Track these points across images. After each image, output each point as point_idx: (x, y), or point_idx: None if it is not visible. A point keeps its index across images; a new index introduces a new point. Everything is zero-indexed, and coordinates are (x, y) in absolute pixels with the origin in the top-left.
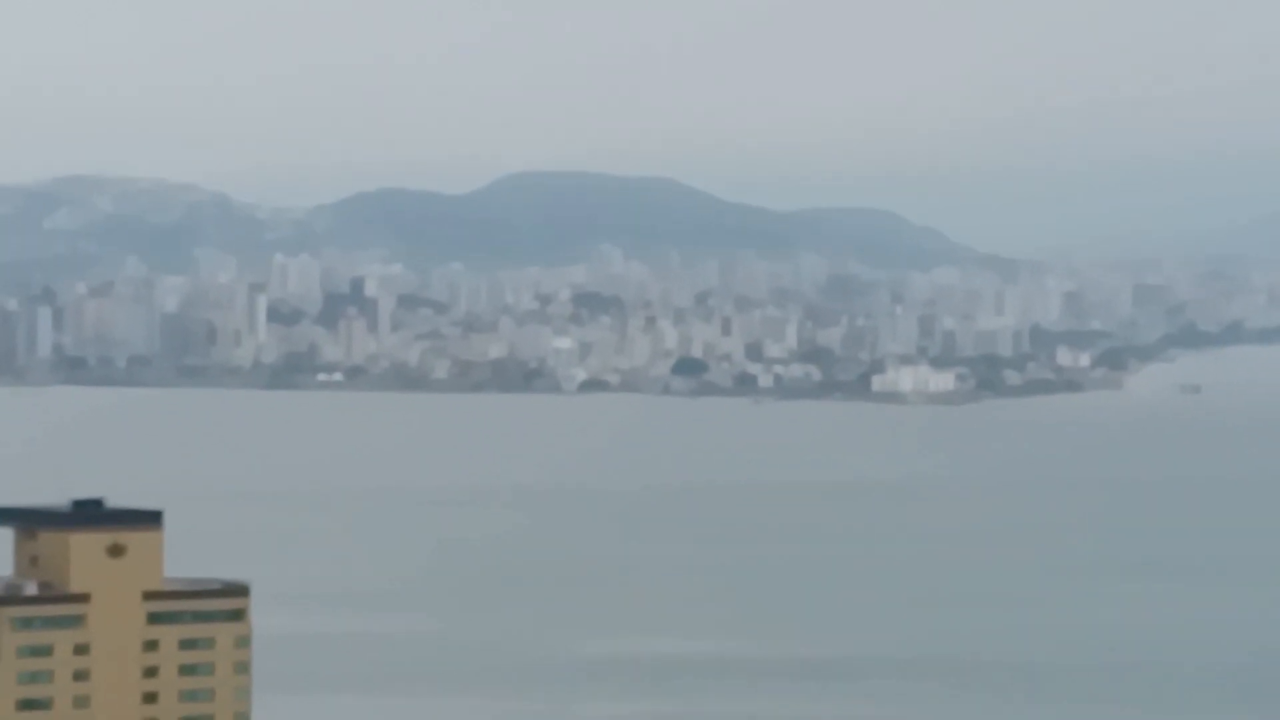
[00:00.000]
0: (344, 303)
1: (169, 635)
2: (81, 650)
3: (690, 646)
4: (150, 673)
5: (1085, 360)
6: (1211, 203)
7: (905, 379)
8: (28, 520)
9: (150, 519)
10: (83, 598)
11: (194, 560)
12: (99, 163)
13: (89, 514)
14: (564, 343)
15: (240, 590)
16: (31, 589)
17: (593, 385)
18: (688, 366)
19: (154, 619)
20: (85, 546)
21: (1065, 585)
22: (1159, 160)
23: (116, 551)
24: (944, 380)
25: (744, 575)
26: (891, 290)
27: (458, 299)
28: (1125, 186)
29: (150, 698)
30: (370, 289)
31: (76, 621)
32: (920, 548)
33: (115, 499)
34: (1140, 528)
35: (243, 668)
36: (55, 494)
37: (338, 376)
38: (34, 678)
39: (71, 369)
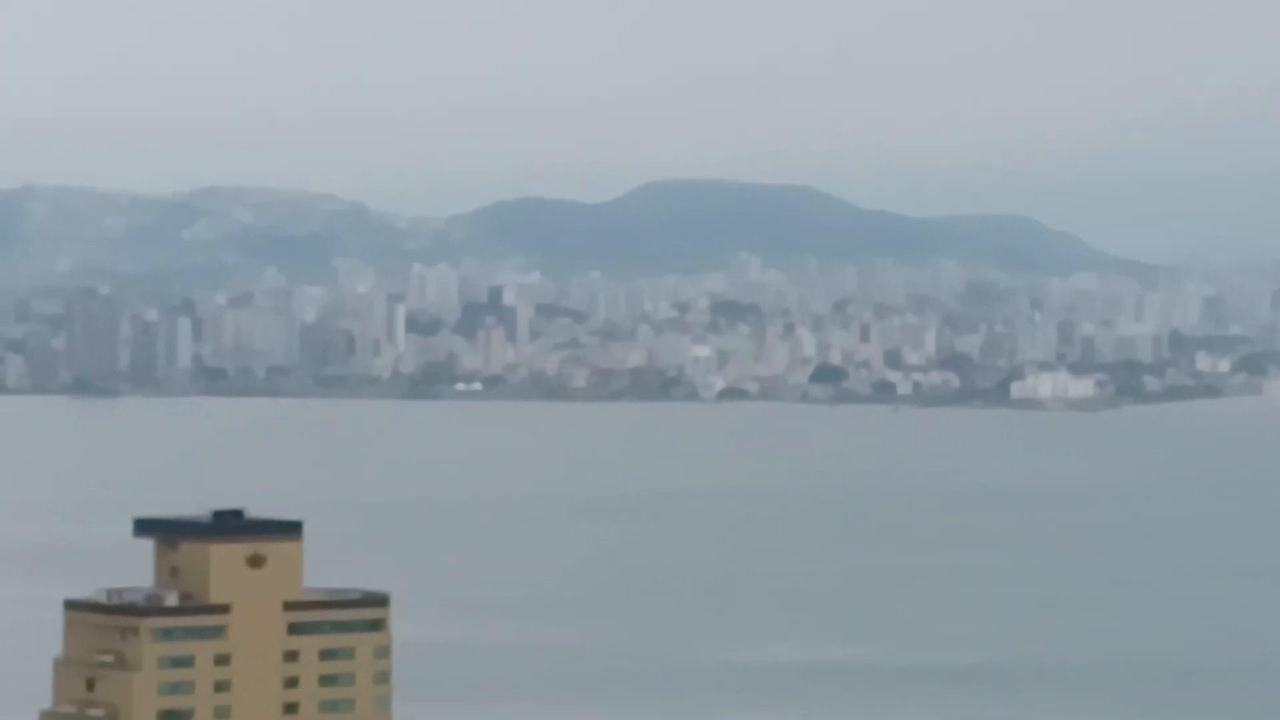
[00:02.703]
0: (482, 312)
1: (309, 645)
2: (222, 661)
3: (832, 652)
4: (291, 683)
5: (1225, 365)
6: None
7: (1044, 385)
8: (168, 531)
9: (290, 529)
10: (223, 608)
11: (334, 570)
12: (237, 174)
13: (229, 524)
14: (702, 351)
15: (380, 600)
16: (172, 600)
17: (731, 393)
18: (826, 374)
19: (294, 629)
20: (225, 557)
21: (1207, 589)
22: None
23: (256, 562)
24: (1083, 386)
25: (885, 581)
26: (1030, 297)
27: (596, 308)
28: (1265, 188)
29: (291, 708)
30: (508, 298)
31: (217, 632)
32: (1061, 553)
33: (255, 509)
34: (1277, 534)
35: (383, 677)
36: (195, 505)
37: (476, 386)
38: (175, 688)
39: (211, 380)
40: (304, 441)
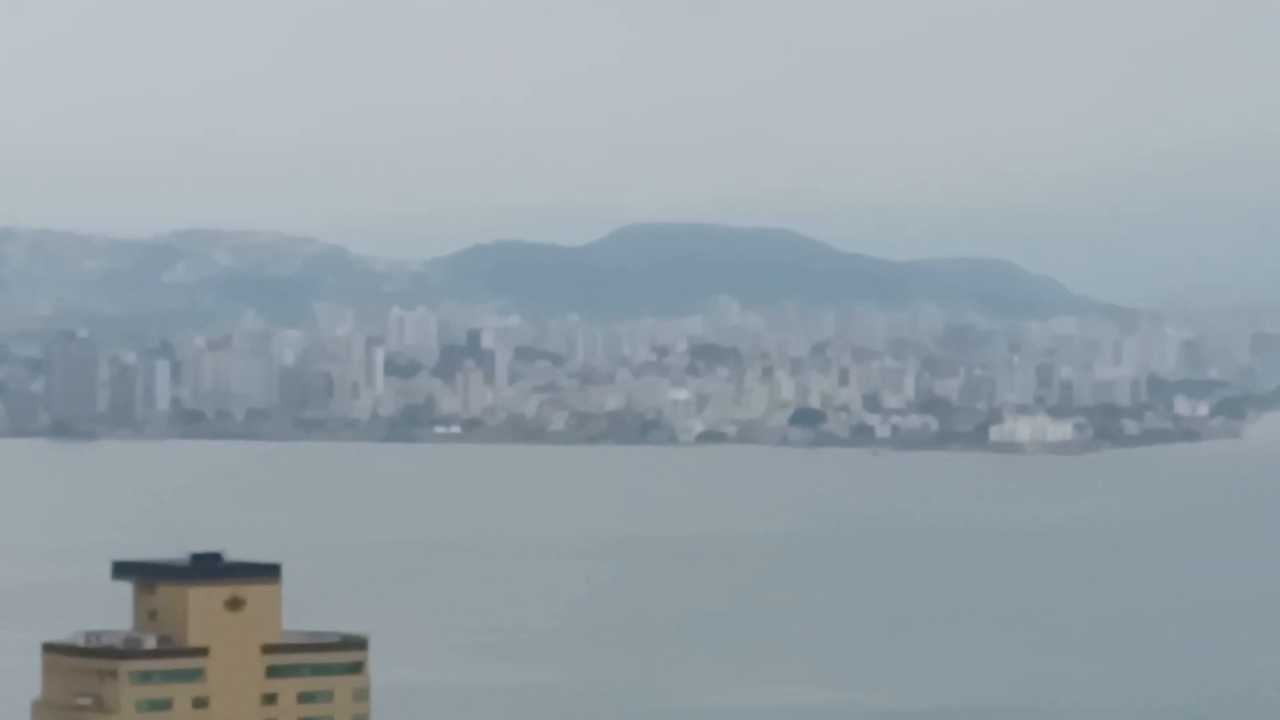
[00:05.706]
0: (461, 355)
1: (288, 688)
2: (200, 704)
3: (817, 695)
4: None
5: (1203, 409)
6: None
7: (1023, 429)
8: (147, 574)
9: (269, 572)
10: (202, 651)
11: (312, 613)
12: (217, 217)
13: (208, 567)
14: (681, 394)
15: (359, 643)
16: (150, 643)
17: (710, 436)
18: (805, 417)
19: (273, 672)
20: (204, 600)
21: (1191, 631)
22: (1277, 202)
23: (235, 605)
24: (1062, 430)
25: (870, 624)
26: (1009, 340)
27: (575, 351)
28: (1243, 231)
29: None
30: (487, 341)
31: (195, 675)
32: (1044, 596)
33: (234, 552)
34: (1260, 576)
35: None
36: (174, 548)
37: (455, 429)
38: None
39: (189, 422)
40: (282, 484)
